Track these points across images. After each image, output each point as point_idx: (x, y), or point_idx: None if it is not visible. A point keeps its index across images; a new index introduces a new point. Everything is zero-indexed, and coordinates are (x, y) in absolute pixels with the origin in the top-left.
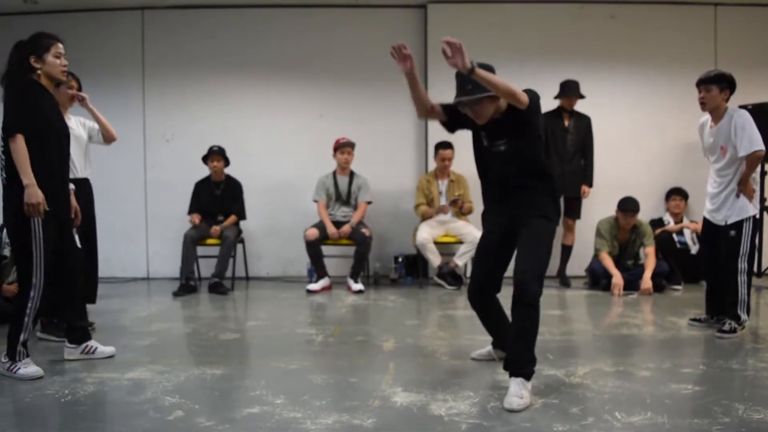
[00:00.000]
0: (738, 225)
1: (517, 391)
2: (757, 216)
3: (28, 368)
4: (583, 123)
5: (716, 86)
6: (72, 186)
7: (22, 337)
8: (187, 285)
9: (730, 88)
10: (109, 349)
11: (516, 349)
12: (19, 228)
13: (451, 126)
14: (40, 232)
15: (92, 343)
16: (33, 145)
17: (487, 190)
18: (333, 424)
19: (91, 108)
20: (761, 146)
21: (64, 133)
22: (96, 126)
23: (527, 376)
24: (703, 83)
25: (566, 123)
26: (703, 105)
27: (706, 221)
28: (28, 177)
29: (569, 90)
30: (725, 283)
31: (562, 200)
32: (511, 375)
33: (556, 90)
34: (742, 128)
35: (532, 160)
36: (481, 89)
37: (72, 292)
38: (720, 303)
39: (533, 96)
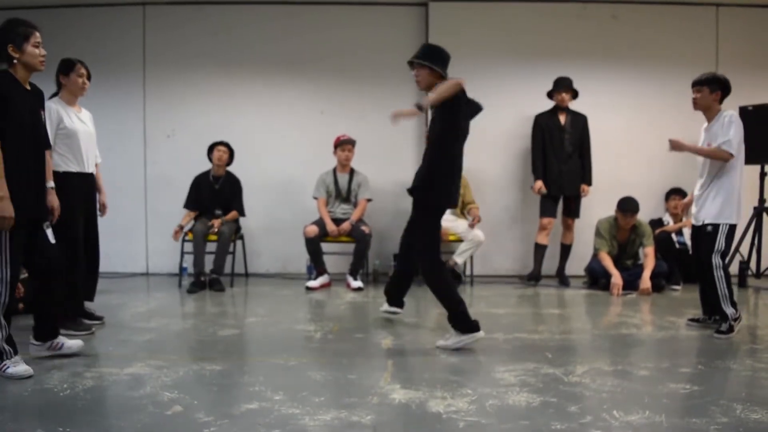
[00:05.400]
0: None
1: (448, 335)
2: (735, 223)
3: (17, 367)
4: (580, 121)
5: (707, 87)
6: (51, 184)
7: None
8: (201, 281)
9: (722, 90)
10: (76, 344)
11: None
12: None
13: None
14: (7, 239)
15: (59, 339)
16: (7, 146)
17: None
18: (331, 421)
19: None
20: (734, 150)
21: (39, 130)
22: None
23: (455, 327)
24: (695, 84)
25: (562, 122)
26: (695, 104)
27: (693, 225)
28: (2, 189)
29: (559, 84)
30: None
31: (561, 199)
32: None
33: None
34: (729, 124)
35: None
36: (426, 60)
37: (46, 288)
38: (713, 303)
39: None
